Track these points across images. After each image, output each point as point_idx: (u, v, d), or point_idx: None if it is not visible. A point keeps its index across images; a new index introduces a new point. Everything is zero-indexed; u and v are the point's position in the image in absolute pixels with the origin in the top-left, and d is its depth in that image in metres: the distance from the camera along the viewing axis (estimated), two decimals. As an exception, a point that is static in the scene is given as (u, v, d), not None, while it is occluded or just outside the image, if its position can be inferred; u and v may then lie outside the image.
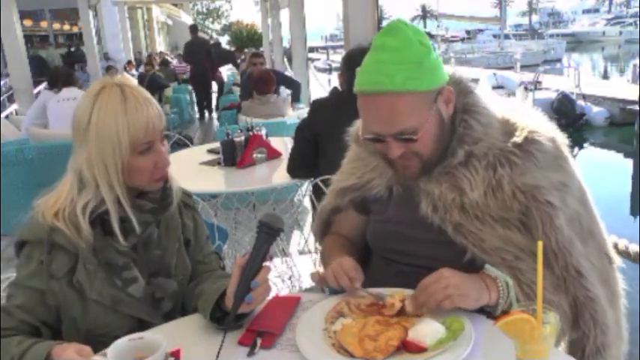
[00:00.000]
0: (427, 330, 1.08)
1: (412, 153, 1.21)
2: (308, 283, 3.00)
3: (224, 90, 9.83)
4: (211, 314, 1.20)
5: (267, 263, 1.17)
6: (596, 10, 74.34)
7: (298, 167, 2.73)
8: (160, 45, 25.44)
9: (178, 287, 1.34)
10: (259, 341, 1.15)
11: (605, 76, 25.42)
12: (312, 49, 32.75)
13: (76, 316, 1.23)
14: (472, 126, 1.24)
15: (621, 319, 1.31)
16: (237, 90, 8.04)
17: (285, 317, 1.23)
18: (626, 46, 41.54)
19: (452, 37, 47.48)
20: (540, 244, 0.91)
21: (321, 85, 11.92)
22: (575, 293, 1.20)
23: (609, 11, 70.70)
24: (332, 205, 1.49)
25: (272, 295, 1.27)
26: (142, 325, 1.25)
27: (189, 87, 10.79)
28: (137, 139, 1.19)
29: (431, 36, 39.49)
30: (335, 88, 2.90)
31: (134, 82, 2.17)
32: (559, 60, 29.07)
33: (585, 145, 12.12)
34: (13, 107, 7.16)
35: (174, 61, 14.51)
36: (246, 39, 34.11)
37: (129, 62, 13.56)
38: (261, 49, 15.51)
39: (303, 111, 4.88)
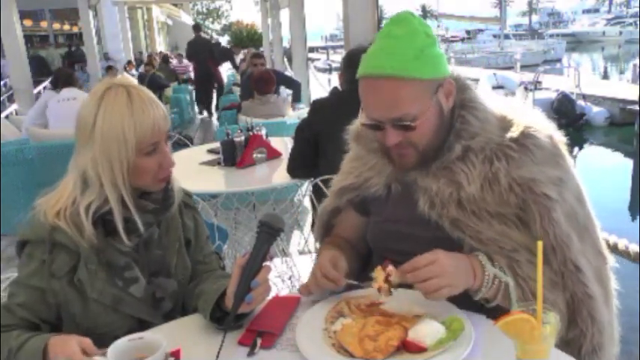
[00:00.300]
0: (427, 330, 1.08)
1: (409, 143, 1.22)
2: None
3: (224, 90, 9.84)
4: (211, 314, 1.20)
5: (267, 263, 1.17)
6: (596, 10, 74.36)
7: (298, 167, 2.73)
8: (160, 45, 25.44)
9: (178, 287, 1.34)
10: (259, 341, 1.15)
11: (605, 76, 25.43)
12: (312, 49, 32.77)
13: (76, 315, 1.23)
14: (469, 121, 1.25)
15: (614, 320, 1.31)
16: (237, 90, 8.04)
17: (285, 317, 1.23)
18: (626, 46, 41.55)
19: (452, 37, 47.54)
20: (540, 244, 0.91)
21: (321, 85, 11.91)
22: (574, 289, 1.20)
23: (609, 11, 70.72)
24: (331, 206, 1.49)
25: (272, 295, 1.27)
26: (142, 325, 1.25)
27: (190, 87, 10.79)
28: (143, 140, 1.19)
29: (431, 36, 39.43)
30: (335, 88, 2.90)
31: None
32: (559, 60, 29.09)
33: (585, 145, 12.13)
34: (13, 107, 7.17)
35: (175, 61, 14.50)
36: (246, 39, 34.13)
37: (129, 62, 13.56)
38: (261, 49, 15.51)
39: (303, 111, 4.88)
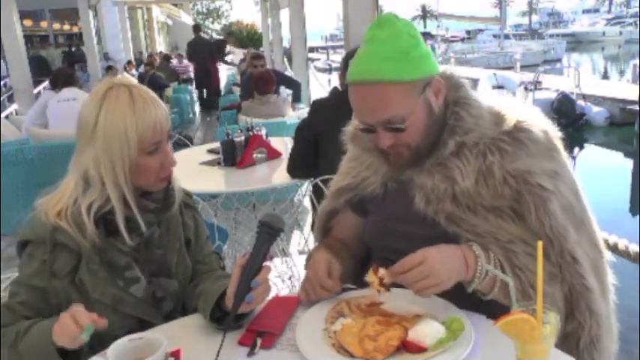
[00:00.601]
0: (427, 330, 1.08)
1: (401, 143, 1.23)
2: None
3: (224, 90, 9.85)
4: (211, 314, 1.21)
5: (267, 263, 1.17)
6: (596, 10, 74.42)
7: (298, 167, 2.73)
8: (160, 45, 25.42)
9: (179, 287, 1.34)
10: (259, 341, 1.15)
11: (605, 76, 25.42)
12: (312, 49, 32.75)
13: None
14: (463, 117, 1.26)
15: (611, 315, 1.31)
16: (237, 90, 8.04)
17: (285, 317, 1.23)
18: (626, 46, 41.55)
19: (452, 37, 47.49)
20: (540, 244, 0.91)
21: (321, 85, 11.91)
22: (571, 281, 1.21)
23: (609, 11, 70.78)
24: (329, 207, 1.50)
25: (272, 295, 1.27)
26: (143, 325, 1.25)
27: (190, 87, 10.78)
28: (145, 140, 1.19)
29: (431, 36, 39.56)
30: (335, 88, 2.90)
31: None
32: (559, 60, 29.08)
33: (585, 145, 12.12)
34: (13, 107, 7.16)
35: (175, 61, 14.50)
36: (246, 39, 34.11)
37: (129, 62, 13.55)
38: (261, 49, 15.50)
39: (303, 111, 4.88)
